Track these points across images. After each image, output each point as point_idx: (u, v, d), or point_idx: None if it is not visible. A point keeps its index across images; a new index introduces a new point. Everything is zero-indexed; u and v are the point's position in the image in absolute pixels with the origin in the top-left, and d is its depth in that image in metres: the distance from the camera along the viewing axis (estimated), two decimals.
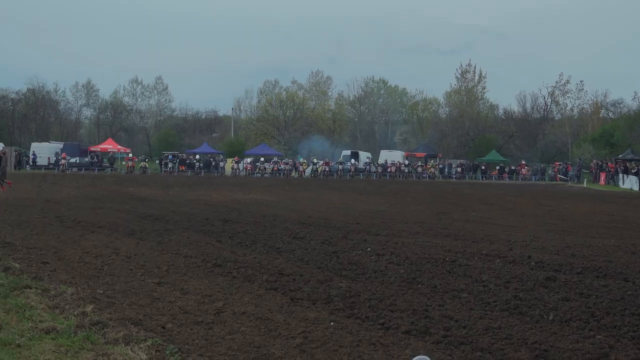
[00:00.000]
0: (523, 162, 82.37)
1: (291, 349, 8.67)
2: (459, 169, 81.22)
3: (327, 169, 79.41)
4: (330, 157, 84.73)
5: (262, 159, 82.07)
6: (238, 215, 26.38)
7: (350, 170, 79.92)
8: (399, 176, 79.46)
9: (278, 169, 79.44)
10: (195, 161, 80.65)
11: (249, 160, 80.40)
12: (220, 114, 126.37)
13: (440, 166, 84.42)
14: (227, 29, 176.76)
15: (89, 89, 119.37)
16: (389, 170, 79.17)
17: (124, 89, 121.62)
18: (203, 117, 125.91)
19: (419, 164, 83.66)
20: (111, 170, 79.10)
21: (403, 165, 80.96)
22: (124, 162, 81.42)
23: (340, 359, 8.23)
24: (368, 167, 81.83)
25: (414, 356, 7.32)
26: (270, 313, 10.47)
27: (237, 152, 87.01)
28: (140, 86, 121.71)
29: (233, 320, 10.00)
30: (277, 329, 9.59)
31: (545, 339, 9.18)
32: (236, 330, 9.47)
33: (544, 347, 8.75)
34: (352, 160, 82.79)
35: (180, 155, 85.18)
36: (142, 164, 79.24)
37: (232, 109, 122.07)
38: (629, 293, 12.10)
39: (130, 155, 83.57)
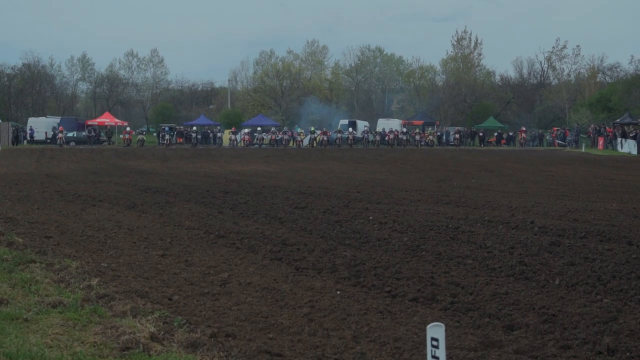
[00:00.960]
0: (523, 128, 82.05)
1: (299, 318, 8.66)
2: (456, 136, 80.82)
3: (325, 139, 78.05)
4: (328, 127, 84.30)
5: (259, 129, 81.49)
6: (238, 187, 26.37)
7: (348, 139, 78.41)
8: (397, 144, 78.68)
9: (276, 140, 78.88)
10: (192, 133, 79.68)
11: (246, 131, 79.79)
12: (217, 85, 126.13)
13: (438, 134, 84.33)
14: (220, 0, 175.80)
15: (85, 62, 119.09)
16: (387, 138, 78.63)
17: (119, 62, 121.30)
18: (199, 89, 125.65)
19: (417, 131, 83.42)
20: (109, 143, 78.94)
21: (401, 133, 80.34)
22: (121, 136, 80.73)
23: (349, 327, 8.21)
24: (366, 135, 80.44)
25: (422, 323, 7.31)
26: (275, 283, 10.47)
27: (235, 123, 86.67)
28: (136, 59, 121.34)
29: (239, 291, 9.99)
30: (283, 298, 9.58)
31: (552, 303, 9.17)
32: (243, 300, 9.46)
33: (552, 312, 8.74)
34: (350, 129, 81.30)
35: (177, 127, 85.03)
36: (140, 136, 78.28)
37: (229, 80, 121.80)
38: (633, 256, 12.06)
39: (128, 128, 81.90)
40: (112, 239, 14.51)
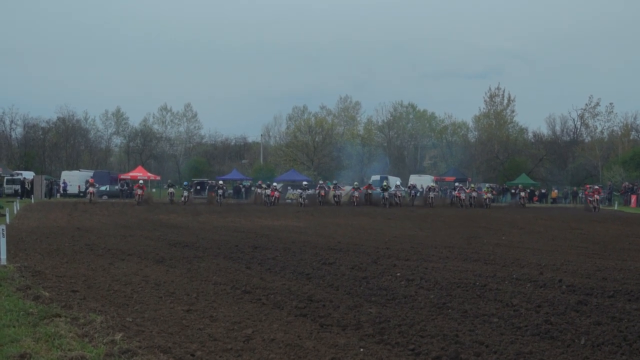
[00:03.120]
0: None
1: None
2: (489, 195, 79.52)
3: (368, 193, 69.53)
4: (360, 182, 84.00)
5: (289, 187, 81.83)
6: (267, 242, 26.38)
7: (396, 196, 68.26)
8: (460, 205, 67.74)
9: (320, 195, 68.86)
10: (219, 189, 71.32)
11: (277, 185, 75.53)
12: (250, 140, 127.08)
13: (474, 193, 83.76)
14: (256, 55, 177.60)
15: (119, 117, 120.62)
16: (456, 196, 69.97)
17: (153, 117, 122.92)
18: (232, 143, 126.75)
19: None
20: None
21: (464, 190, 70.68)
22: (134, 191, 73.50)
23: None
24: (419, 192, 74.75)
25: None
26: (299, 339, 10.43)
27: (267, 178, 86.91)
28: (169, 113, 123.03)
29: (262, 347, 9.96)
30: (306, 355, 9.55)
31: None
32: (265, 357, 9.44)
33: None
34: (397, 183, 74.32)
35: (209, 182, 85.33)
36: (170, 189, 71.21)
37: (261, 135, 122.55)
38: None
39: (141, 182, 70.00)
40: (139, 293, 14.53)
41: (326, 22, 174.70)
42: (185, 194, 67.46)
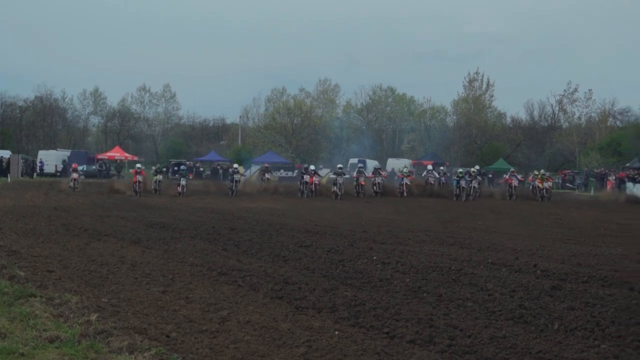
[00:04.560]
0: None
1: (295, 358, 8.68)
2: (438, 176, 78.25)
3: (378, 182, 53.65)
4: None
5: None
6: (244, 224, 26.35)
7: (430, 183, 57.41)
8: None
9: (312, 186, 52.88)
10: (233, 172, 55.99)
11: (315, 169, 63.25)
12: (228, 121, 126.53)
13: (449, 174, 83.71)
14: (235, 36, 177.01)
15: (97, 96, 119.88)
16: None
17: (131, 97, 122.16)
18: (211, 125, 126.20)
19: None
20: (118, 177, 78.52)
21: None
22: (130, 172, 67.05)
23: None
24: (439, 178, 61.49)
25: None
26: (274, 322, 10.47)
27: (245, 160, 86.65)
28: (148, 94, 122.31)
29: (238, 329, 10.00)
30: (281, 337, 9.60)
31: (549, 348, 9.17)
32: (240, 339, 9.48)
33: (549, 357, 8.76)
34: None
35: (187, 163, 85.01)
36: (157, 176, 53.51)
37: (240, 116, 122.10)
38: (634, 302, 12.08)
39: (138, 165, 53.18)
40: (115, 274, 14.52)
41: (306, 4, 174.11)
42: (160, 177, 53.48)
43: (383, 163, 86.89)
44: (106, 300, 11.63)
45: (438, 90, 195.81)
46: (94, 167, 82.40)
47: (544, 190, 54.68)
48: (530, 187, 58.04)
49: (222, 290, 12.96)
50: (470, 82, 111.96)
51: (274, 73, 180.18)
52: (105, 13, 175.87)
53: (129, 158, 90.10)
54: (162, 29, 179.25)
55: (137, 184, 49.33)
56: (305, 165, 56.06)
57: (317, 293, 12.78)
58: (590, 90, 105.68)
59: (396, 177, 58.66)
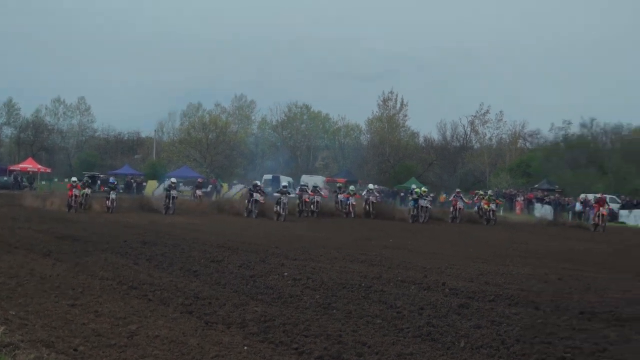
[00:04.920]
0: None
1: None
2: (378, 195, 79.39)
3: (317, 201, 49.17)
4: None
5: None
6: (157, 238, 26.10)
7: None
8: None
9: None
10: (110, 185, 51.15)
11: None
12: (143, 135, 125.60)
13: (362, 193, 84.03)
14: (151, 51, 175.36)
15: (10, 107, 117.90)
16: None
17: (46, 109, 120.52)
18: (125, 138, 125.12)
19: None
20: (30, 189, 77.22)
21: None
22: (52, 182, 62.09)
23: None
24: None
25: None
26: (184, 337, 10.41)
27: (160, 174, 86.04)
28: (62, 106, 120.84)
29: (146, 344, 9.92)
30: (190, 352, 9.55)
31: None
32: (149, 354, 9.41)
33: None
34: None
35: (101, 176, 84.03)
36: (86, 190, 46.80)
37: (155, 131, 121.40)
38: (539, 321, 12.27)
39: (74, 179, 47.55)
40: (23, 287, 14.26)
41: (224, 20, 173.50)
42: (88, 191, 47.05)
43: (297, 180, 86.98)
44: (14, 313, 11.43)
45: (352, 110, 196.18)
46: (5, 178, 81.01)
47: (491, 212, 50.35)
48: (476, 208, 53.40)
49: (132, 305, 12.84)
50: (385, 101, 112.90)
51: (190, 88, 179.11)
52: (20, 23, 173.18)
53: (42, 170, 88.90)
54: (78, 41, 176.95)
55: (73, 198, 44.91)
56: (255, 182, 50.47)
57: (228, 308, 12.74)
58: (501, 112, 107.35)
59: (341, 197, 51.59)
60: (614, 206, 62.87)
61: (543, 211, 62.39)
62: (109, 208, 45.55)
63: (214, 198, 63.35)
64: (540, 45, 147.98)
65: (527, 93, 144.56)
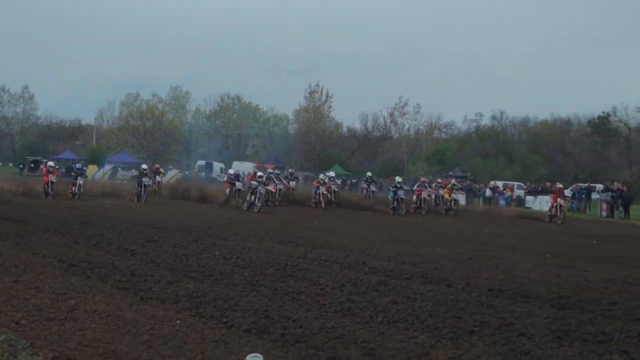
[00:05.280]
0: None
1: (138, 345, 8.56)
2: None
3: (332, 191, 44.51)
4: (186, 168, 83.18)
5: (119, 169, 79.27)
6: (96, 219, 25.77)
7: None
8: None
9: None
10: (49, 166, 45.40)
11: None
12: (84, 123, 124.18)
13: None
14: (94, 43, 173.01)
15: None
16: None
17: None
18: (67, 125, 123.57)
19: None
20: None
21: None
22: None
23: (184, 355, 8.17)
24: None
25: (251, 353, 7.32)
26: (120, 311, 10.31)
27: (99, 159, 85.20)
28: (7, 94, 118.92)
29: (85, 318, 9.81)
30: (126, 326, 9.46)
31: (373, 338, 9.32)
32: (87, 327, 9.30)
33: (372, 346, 8.89)
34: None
35: (43, 161, 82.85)
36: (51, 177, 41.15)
37: (95, 118, 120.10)
38: (450, 297, 12.39)
39: (51, 164, 42.55)
40: None
41: (163, 15, 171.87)
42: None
43: (229, 165, 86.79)
44: None
45: (281, 101, 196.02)
46: None
47: (452, 202, 44.71)
48: (434, 197, 46.85)
49: (72, 281, 12.65)
50: (311, 93, 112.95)
51: (129, 79, 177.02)
52: None
53: None
54: (23, 33, 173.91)
55: (50, 184, 40.22)
56: (255, 171, 43.95)
57: (162, 285, 12.65)
58: (418, 104, 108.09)
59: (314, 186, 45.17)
60: (520, 192, 63.68)
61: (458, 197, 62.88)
62: (73, 194, 41.07)
63: (150, 183, 61.00)
64: (456, 44, 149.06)
65: (443, 87, 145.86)
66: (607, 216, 48.52)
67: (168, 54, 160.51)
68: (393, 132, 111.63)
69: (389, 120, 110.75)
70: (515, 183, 67.43)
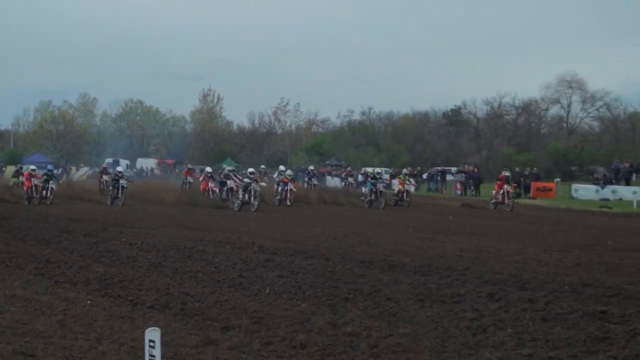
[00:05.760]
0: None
1: (53, 324, 8.37)
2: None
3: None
4: (96, 165, 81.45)
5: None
6: (14, 213, 25.02)
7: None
8: None
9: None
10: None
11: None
12: (2, 128, 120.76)
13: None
14: (9, 52, 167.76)
15: None
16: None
17: None
18: None
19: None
20: None
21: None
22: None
23: (94, 331, 8.01)
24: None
25: (153, 327, 7.23)
26: (36, 295, 10.07)
27: (17, 160, 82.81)
28: None
29: (4, 302, 9.53)
30: (41, 308, 9.24)
31: (261, 308, 9.33)
32: (6, 310, 9.04)
33: (260, 315, 8.89)
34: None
35: None
36: (21, 178, 39.00)
37: (12, 124, 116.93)
38: (328, 270, 12.48)
39: (32, 168, 36.66)
40: None
41: (74, 26, 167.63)
42: (22, 179, 37.91)
43: (134, 162, 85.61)
44: None
45: (178, 104, 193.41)
46: None
47: (404, 193, 37.90)
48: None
49: None
50: (204, 96, 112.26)
51: (42, 87, 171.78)
52: None
53: None
54: None
55: (33, 188, 33.41)
56: (250, 170, 35.20)
57: (74, 270, 12.38)
58: (298, 103, 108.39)
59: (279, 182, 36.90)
60: (386, 176, 64.51)
61: (332, 182, 63.34)
62: (44, 197, 33.29)
63: (64, 179, 56.26)
64: (328, 49, 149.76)
65: (319, 87, 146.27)
66: (461, 194, 49.43)
67: (78, 62, 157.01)
68: (277, 128, 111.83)
69: (273, 118, 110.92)
70: (383, 169, 68.37)
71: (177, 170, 73.69)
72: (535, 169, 54.33)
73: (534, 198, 46.10)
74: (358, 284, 11.18)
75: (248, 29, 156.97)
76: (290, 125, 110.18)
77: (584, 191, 44.17)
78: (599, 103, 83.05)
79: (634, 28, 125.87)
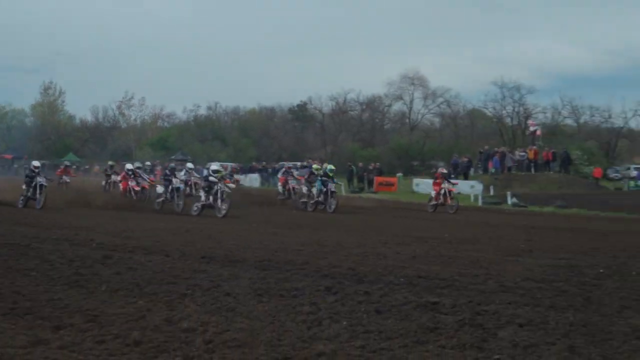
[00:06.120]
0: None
1: None
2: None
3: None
4: None
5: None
6: None
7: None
8: None
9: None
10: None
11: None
12: None
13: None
14: None
15: None
16: None
17: None
18: None
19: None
20: None
21: None
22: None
23: None
24: None
25: None
26: None
27: None
28: None
29: None
30: None
31: (97, 306, 9.03)
32: None
33: (95, 313, 8.61)
34: None
35: None
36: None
37: None
38: (168, 266, 12.29)
39: (36, 163, 31.45)
40: None
41: None
42: None
43: None
44: None
45: (17, 97, 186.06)
46: None
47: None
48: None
49: None
50: (46, 90, 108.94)
51: None
52: None
53: None
54: None
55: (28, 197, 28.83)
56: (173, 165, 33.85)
57: None
58: (143, 97, 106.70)
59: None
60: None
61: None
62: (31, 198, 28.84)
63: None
64: (172, 44, 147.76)
65: (165, 82, 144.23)
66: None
67: None
68: (121, 122, 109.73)
69: (117, 112, 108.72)
70: (230, 164, 68.26)
71: (16, 166, 70.93)
72: (378, 164, 55.77)
73: (376, 192, 47.40)
74: (197, 279, 11.05)
75: (90, 21, 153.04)
76: (135, 120, 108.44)
77: (425, 185, 45.49)
78: (440, 100, 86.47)
79: (472, 29, 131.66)
